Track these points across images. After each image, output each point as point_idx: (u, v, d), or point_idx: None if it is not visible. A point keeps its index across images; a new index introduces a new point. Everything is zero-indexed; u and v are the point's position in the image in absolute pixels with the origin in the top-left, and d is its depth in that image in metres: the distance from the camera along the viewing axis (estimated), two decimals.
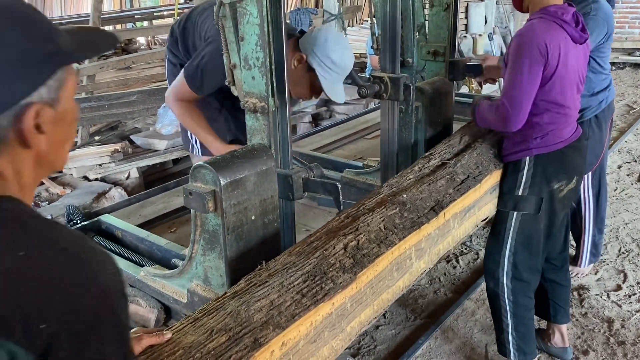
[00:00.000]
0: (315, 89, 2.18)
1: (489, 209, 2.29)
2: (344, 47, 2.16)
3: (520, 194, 2.18)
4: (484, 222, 2.34)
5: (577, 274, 3.10)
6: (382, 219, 1.79)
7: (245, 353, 1.22)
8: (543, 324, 2.61)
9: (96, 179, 4.36)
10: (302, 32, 2.22)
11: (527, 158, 2.16)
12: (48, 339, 0.66)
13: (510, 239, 2.21)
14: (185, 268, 1.88)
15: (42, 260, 0.69)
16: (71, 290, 0.69)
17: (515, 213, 2.21)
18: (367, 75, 3.34)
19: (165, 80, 2.85)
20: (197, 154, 2.58)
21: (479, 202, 2.20)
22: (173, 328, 1.30)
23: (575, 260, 3.09)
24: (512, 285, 2.24)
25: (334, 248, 1.61)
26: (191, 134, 2.58)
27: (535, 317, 2.45)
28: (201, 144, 2.56)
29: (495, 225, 2.30)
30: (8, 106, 0.71)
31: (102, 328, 0.71)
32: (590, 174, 2.93)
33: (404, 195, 1.94)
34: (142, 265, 2.18)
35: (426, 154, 2.34)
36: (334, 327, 1.48)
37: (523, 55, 2.02)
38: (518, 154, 2.19)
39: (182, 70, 2.22)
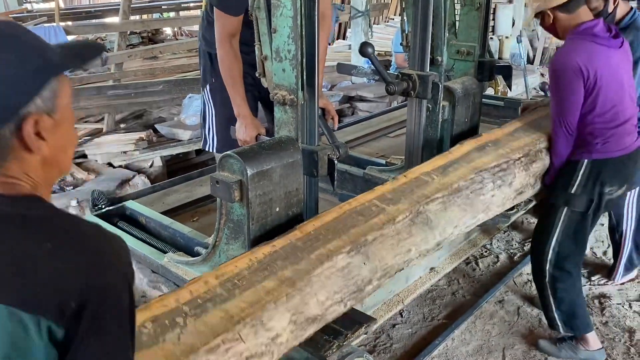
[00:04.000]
0: None
1: (488, 159, 2.30)
2: None
3: (573, 192, 2.30)
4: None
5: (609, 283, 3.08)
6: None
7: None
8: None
9: (120, 166, 4.42)
10: None
11: (586, 160, 2.27)
12: (74, 314, 0.77)
13: (558, 230, 2.35)
14: (208, 256, 1.90)
15: (68, 249, 0.80)
16: (94, 275, 0.79)
17: (566, 209, 2.33)
18: (394, 73, 3.32)
19: (191, 71, 2.91)
20: (211, 149, 2.61)
21: (461, 159, 2.24)
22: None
23: (610, 274, 3.07)
24: (553, 273, 2.39)
25: None
26: (208, 130, 2.61)
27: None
28: (216, 141, 2.59)
29: (545, 217, 2.44)
30: (8, 118, 0.80)
31: (118, 310, 0.81)
32: (637, 190, 2.86)
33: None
34: (165, 252, 2.20)
35: None
36: (287, 258, 1.55)
37: (560, 79, 2.20)
38: (577, 155, 2.30)
39: (210, 4, 2.28)
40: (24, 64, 0.81)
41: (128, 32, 6.51)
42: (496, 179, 2.23)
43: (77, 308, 0.76)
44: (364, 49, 2.25)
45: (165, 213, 2.69)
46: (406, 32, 2.55)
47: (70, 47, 0.91)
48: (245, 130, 2.26)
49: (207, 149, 2.71)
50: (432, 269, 2.49)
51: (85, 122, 5.32)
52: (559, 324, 2.45)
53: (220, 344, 1.26)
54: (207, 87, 2.60)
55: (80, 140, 4.87)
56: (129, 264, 0.86)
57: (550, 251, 2.38)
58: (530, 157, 2.41)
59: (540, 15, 2.31)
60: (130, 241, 2.33)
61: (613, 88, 2.20)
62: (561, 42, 2.39)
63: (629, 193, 2.81)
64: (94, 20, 8.11)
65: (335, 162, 1.89)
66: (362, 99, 6.09)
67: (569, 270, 2.40)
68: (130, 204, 2.68)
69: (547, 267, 2.39)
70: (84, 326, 0.77)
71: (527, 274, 3.17)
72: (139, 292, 2.23)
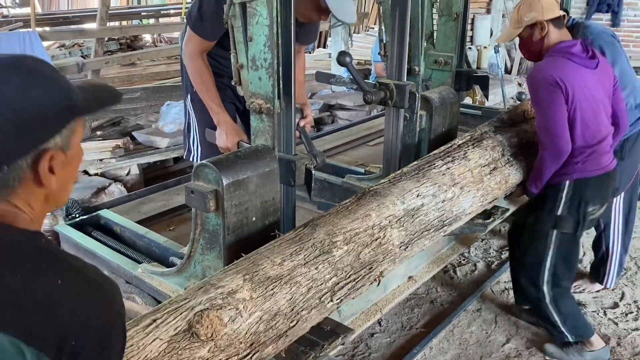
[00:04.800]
0: (322, 8, 2.12)
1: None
2: None
3: (559, 214, 2.34)
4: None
5: (586, 289, 3.11)
6: None
7: None
8: None
9: (96, 174, 4.35)
10: None
11: (567, 182, 2.31)
12: (70, 353, 0.79)
13: (551, 253, 2.40)
14: (183, 266, 1.87)
15: (74, 289, 0.83)
16: (94, 315, 0.83)
17: (555, 231, 2.37)
18: (373, 82, 3.34)
19: (169, 78, 2.87)
20: (196, 159, 2.58)
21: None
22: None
23: (598, 278, 3.10)
24: (553, 292, 2.46)
25: None
26: (193, 140, 2.58)
27: None
28: (201, 151, 2.56)
29: (533, 241, 2.46)
30: (29, 151, 0.84)
31: (114, 343, 0.85)
32: (623, 194, 2.89)
33: None
34: (139, 262, 2.16)
35: None
36: None
37: (539, 92, 2.23)
38: (558, 177, 2.32)
39: (187, 23, 2.26)
40: (53, 103, 0.85)
41: (106, 39, 6.44)
42: (444, 157, 2.25)
43: (75, 347, 0.79)
44: (342, 58, 2.26)
45: (141, 222, 2.65)
46: (384, 41, 2.57)
47: (92, 91, 0.96)
48: (226, 137, 2.23)
49: (191, 160, 2.66)
50: (410, 277, 2.49)
51: None
52: (568, 335, 2.51)
53: None
54: (189, 96, 2.57)
55: None
56: (123, 305, 0.90)
57: (546, 273, 2.43)
58: (476, 138, 2.46)
59: (529, 29, 2.32)
60: (105, 251, 2.28)
61: (589, 107, 2.22)
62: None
63: (615, 198, 2.86)
64: (71, 27, 8.00)
65: (313, 171, 1.88)
66: (342, 108, 6.10)
67: (566, 286, 2.51)
68: (105, 213, 2.63)
69: (545, 289, 2.45)
70: None
71: (505, 282, 3.19)
72: None
